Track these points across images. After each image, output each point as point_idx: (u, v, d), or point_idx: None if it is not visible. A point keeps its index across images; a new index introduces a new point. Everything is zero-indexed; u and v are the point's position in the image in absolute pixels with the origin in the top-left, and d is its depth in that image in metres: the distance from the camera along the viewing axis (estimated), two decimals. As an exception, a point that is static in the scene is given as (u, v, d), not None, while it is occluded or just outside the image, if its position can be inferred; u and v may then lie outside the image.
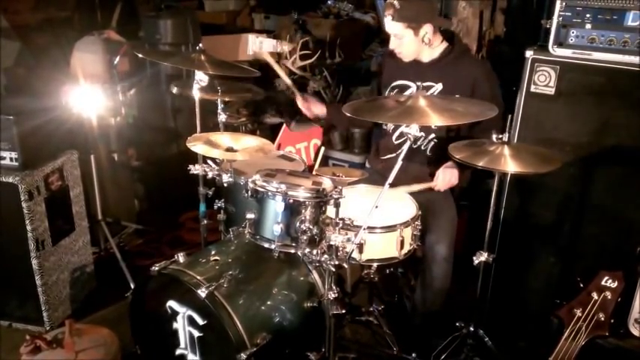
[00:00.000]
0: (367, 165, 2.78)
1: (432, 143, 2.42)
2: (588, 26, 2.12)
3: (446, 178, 2.31)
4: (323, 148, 3.55)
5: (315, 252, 1.88)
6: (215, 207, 2.50)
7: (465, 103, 1.95)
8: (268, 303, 1.97)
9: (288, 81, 2.78)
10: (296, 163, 2.65)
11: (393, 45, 2.34)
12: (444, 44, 2.39)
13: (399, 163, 1.75)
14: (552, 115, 2.25)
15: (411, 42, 2.29)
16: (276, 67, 2.75)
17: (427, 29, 2.27)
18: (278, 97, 3.78)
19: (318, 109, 2.68)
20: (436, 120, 1.72)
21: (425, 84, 2.34)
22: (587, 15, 2.11)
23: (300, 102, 2.68)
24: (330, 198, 1.86)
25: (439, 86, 2.35)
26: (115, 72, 3.13)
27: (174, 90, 2.62)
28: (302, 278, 2.10)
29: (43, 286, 2.48)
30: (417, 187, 2.30)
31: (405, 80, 2.44)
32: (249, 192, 1.92)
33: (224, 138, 2.26)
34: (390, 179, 1.76)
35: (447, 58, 2.37)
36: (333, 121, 2.88)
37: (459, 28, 3.54)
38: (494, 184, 2.02)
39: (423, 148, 2.44)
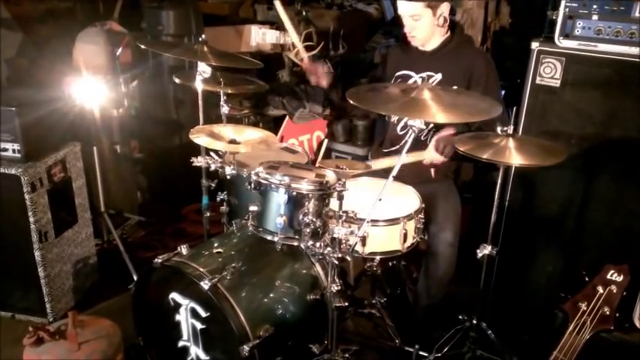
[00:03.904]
0: (369, 159, 2.76)
1: (432, 133, 2.41)
2: (595, 17, 2.10)
3: (439, 146, 2.20)
4: (326, 141, 3.53)
5: (318, 245, 1.88)
6: (218, 199, 2.50)
7: (472, 99, 1.93)
8: (271, 295, 1.97)
9: (296, 40, 2.70)
10: (299, 155, 2.64)
11: (408, 28, 2.32)
12: (447, 34, 2.38)
13: (403, 155, 1.73)
14: (558, 107, 2.23)
15: (428, 23, 2.27)
16: (285, 19, 2.66)
17: (444, 8, 2.26)
18: (281, 89, 3.76)
19: (324, 81, 2.64)
20: (441, 117, 1.68)
21: (425, 74, 2.37)
22: (594, 6, 2.09)
23: (307, 66, 2.63)
24: (333, 190, 1.85)
25: (438, 76, 2.35)
26: (117, 63, 3.12)
27: (177, 80, 2.60)
28: (305, 271, 2.10)
29: (46, 278, 2.48)
30: (408, 159, 2.15)
31: (407, 70, 2.43)
32: (252, 184, 1.91)
33: (227, 130, 2.26)
34: (394, 172, 1.75)
35: (447, 47, 2.36)
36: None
37: (464, 19, 3.52)
38: (499, 176, 2.01)
39: (422, 138, 2.42)
